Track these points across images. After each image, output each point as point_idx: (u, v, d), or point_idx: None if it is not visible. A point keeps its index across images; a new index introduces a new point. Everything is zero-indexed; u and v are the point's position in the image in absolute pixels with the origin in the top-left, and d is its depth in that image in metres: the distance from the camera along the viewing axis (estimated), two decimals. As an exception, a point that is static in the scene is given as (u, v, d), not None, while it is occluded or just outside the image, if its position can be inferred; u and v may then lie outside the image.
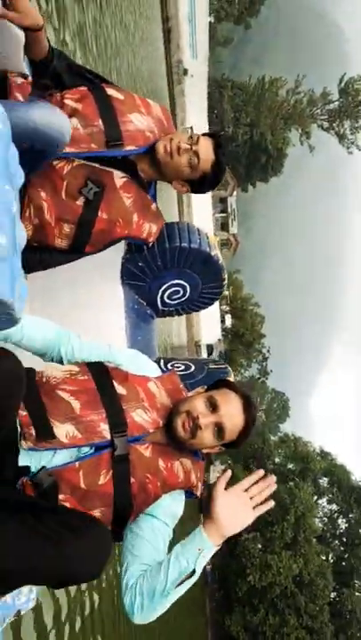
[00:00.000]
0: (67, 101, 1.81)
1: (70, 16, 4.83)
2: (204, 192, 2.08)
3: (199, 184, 2.00)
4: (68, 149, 1.76)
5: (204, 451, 1.69)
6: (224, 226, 47.87)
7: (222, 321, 38.62)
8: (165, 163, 1.91)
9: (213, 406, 1.59)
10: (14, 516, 1.22)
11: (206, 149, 1.94)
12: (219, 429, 1.58)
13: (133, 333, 2.25)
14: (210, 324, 33.79)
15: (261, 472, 1.57)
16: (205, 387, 1.72)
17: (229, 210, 48.16)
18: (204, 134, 1.99)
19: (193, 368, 2.35)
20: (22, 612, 1.31)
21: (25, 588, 1.26)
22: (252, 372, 54.17)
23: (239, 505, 1.50)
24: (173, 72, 27.78)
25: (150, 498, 1.56)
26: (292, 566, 23.76)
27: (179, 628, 10.78)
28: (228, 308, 41.52)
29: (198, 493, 1.70)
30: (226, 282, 2.38)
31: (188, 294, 2.38)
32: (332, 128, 44.54)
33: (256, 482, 1.52)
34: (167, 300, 2.40)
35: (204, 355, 34.12)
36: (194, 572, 1.45)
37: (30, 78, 1.82)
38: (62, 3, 4.64)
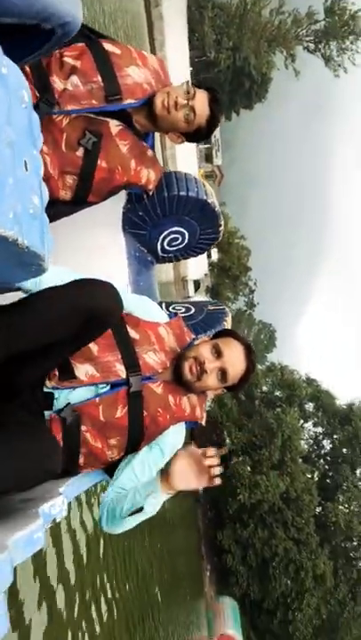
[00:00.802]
0: (66, 59, 1.87)
1: None
2: (197, 142, 2.20)
3: (193, 135, 2.09)
4: (69, 106, 1.86)
5: (208, 392, 1.87)
6: (208, 157, 46.71)
7: (208, 255, 38.54)
8: (162, 117, 1.99)
9: (218, 353, 1.77)
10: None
11: (202, 104, 2.02)
12: (222, 374, 1.77)
13: (136, 279, 2.38)
14: (196, 260, 33.69)
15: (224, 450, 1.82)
16: (211, 335, 1.92)
17: (213, 140, 46.82)
18: (199, 87, 2.06)
19: (193, 310, 2.50)
20: (57, 519, 1.52)
21: (59, 500, 1.40)
22: (240, 305, 54.71)
23: (194, 469, 1.64)
24: (150, -6, 26.22)
25: (160, 429, 1.75)
26: (279, 484, 25.01)
27: (175, 542, 11.57)
28: (213, 241, 41.14)
29: (203, 422, 1.91)
30: (222, 228, 2.50)
31: (186, 241, 2.50)
32: (318, 50, 42.73)
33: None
34: (167, 247, 2.51)
35: (191, 290, 34.24)
36: (142, 508, 1.62)
37: None
38: None
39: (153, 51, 26.99)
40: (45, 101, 1.83)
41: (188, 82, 2.04)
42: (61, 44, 1.49)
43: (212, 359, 1.76)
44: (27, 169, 1.17)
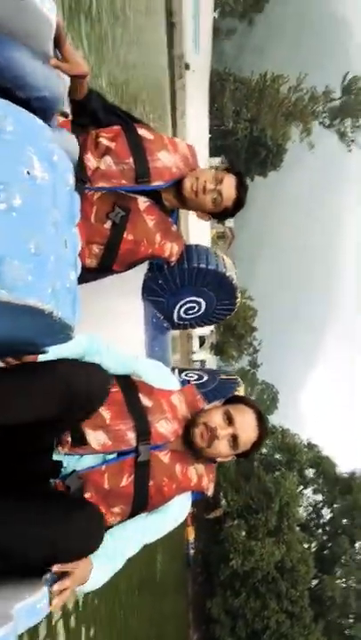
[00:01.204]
0: (101, 139, 1.99)
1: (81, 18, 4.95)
2: (223, 220, 2.30)
3: (220, 214, 2.19)
4: (101, 184, 1.97)
5: (218, 459, 1.85)
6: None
7: (216, 313, 38.63)
8: (191, 199, 2.10)
9: (230, 419, 1.76)
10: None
11: (229, 188, 2.11)
12: (234, 440, 1.76)
13: (151, 345, 2.43)
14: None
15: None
16: (223, 401, 1.90)
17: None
18: (227, 170, 2.16)
19: (205, 378, 2.53)
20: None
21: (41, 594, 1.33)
22: (243, 364, 54.52)
23: None
24: (175, 66, 27.63)
25: (165, 499, 1.73)
26: (274, 552, 24.13)
27: (162, 608, 11.10)
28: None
29: (209, 493, 1.88)
30: (238, 300, 2.58)
31: (203, 310, 2.56)
32: (333, 125, 44.47)
33: None
34: (183, 315, 2.58)
35: (196, 345, 34.26)
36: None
37: (70, 117, 2.02)
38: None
39: (174, 118, 28.23)
40: (78, 178, 1.93)
41: (217, 167, 2.17)
42: (48, 119, 1.49)
43: (223, 425, 1.76)
44: (66, 246, 1.26)
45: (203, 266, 2.38)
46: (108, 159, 1.97)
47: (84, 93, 1.96)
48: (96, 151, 1.99)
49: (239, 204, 2.17)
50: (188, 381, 2.04)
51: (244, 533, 25.18)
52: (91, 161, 1.97)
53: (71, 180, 1.31)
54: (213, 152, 41.52)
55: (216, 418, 1.76)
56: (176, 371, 2.44)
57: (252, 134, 42.94)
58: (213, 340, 38.12)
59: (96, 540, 1.46)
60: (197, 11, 27.47)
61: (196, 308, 2.56)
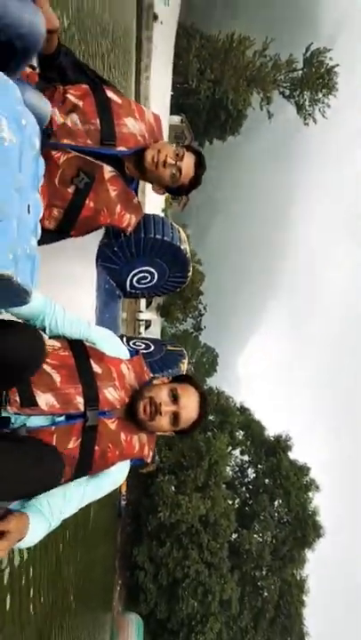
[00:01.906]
0: (69, 96, 1.93)
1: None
2: (177, 195, 2.30)
3: (175, 190, 2.19)
4: (65, 141, 1.92)
5: (158, 433, 1.91)
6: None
7: (163, 274, 38.48)
8: (150, 171, 2.08)
9: (175, 397, 1.81)
10: None
11: (188, 166, 2.11)
12: (175, 418, 1.82)
13: (102, 310, 2.42)
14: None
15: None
16: (170, 377, 1.95)
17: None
18: (188, 148, 2.14)
19: (152, 348, 2.56)
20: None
21: None
22: (187, 327, 55.05)
23: None
24: (143, 16, 26.60)
25: (107, 464, 1.77)
26: (200, 507, 25.15)
27: (91, 556, 11.41)
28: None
29: (149, 461, 1.95)
30: (190, 273, 2.58)
31: (155, 281, 2.57)
32: (292, 97, 44.18)
33: None
34: (135, 284, 2.57)
35: (143, 305, 34.21)
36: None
37: (38, 70, 1.92)
38: None
39: (138, 71, 27.27)
40: (43, 131, 1.88)
41: (178, 143, 2.14)
42: (25, 61, 1.50)
43: (168, 402, 1.81)
44: (29, 212, 1.24)
45: (158, 237, 2.38)
46: (74, 117, 1.92)
47: (54, 47, 1.90)
48: (63, 107, 1.93)
49: (196, 182, 2.17)
50: (137, 351, 2.05)
51: (173, 488, 26.02)
52: (57, 115, 1.91)
53: (38, 144, 1.28)
54: (174, 110, 40.56)
55: (162, 394, 1.81)
56: (124, 339, 2.45)
57: (214, 96, 42.18)
58: (160, 302, 38.17)
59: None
60: None
61: (149, 278, 2.57)
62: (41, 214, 1.30)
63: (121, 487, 27.37)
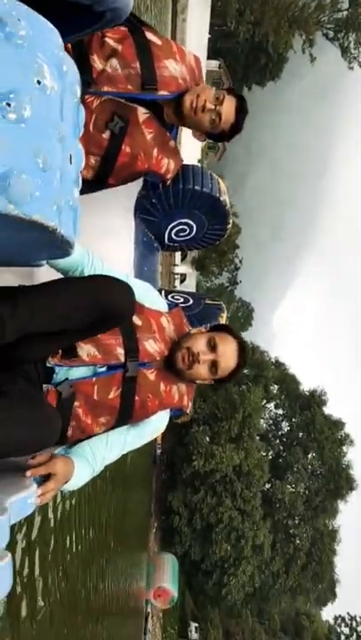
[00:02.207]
0: (107, 40, 1.86)
1: None
2: (218, 142, 2.21)
3: (215, 136, 2.11)
4: (105, 88, 1.87)
5: (197, 381, 1.92)
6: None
7: (199, 226, 38.09)
8: (189, 116, 2.00)
9: (213, 346, 1.82)
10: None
11: (229, 111, 2.03)
12: (214, 366, 1.82)
13: (140, 264, 2.40)
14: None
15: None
16: (208, 327, 1.95)
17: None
18: (229, 92, 2.06)
19: (191, 301, 2.54)
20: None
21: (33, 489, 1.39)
22: (222, 281, 54.75)
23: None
24: None
25: (148, 413, 1.81)
26: (233, 457, 25.64)
27: (128, 499, 11.87)
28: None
29: (188, 411, 1.98)
30: (230, 226, 2.52)
31: (193, 233, 2.52)
32: (336, 39, 41.83)
33: None
34: (174, 237, 2.54)
35: (178, 258, 34.07)
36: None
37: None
38: None
39: (175, 12, 26.19)
40: (83, 80, 1.84)
41: (219, 87, 2.05)
42: (108, 27, 1.48)
43: (206, 351, 1.81)
44: (71, 162, 1.22)
45: (197, 188, 2.33)
46: (114, 62, 1.85)
47: None
48: (102, 52, 1.86)
49: (237, 128, 2.09)
50: (176, 304, 2.05)
51: (207, 438, 26.56)
52: (96, 62, 1.85)
53: (79, 91, 1.25)
54: (212, 54, 38.99)
55: (200, 343, 1.82)
56: (163, 292, 2.44)
57: (253, 39, 40.30)
58: (195, 255, 37.94)
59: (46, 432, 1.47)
60: None
61: (188, 231, 2.52)
62: (83, 164, 1.29)
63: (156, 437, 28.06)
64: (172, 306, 1.99)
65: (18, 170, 1.00)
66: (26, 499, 1.30)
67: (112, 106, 1.91)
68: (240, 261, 50.08)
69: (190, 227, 2.51)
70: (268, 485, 29.28)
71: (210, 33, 37.18)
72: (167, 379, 1.84)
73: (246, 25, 39.24)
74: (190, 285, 39.46)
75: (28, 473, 1.40)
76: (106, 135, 1.93)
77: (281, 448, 32.78)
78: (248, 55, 42.53)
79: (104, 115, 1.90)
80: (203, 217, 2.47)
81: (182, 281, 37.78)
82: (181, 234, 2.55)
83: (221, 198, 2.41)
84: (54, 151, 1.11)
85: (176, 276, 35.82)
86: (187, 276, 39.19)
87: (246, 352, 1.92)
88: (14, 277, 1.81)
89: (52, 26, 1.12)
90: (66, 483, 1.56)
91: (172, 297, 2.54)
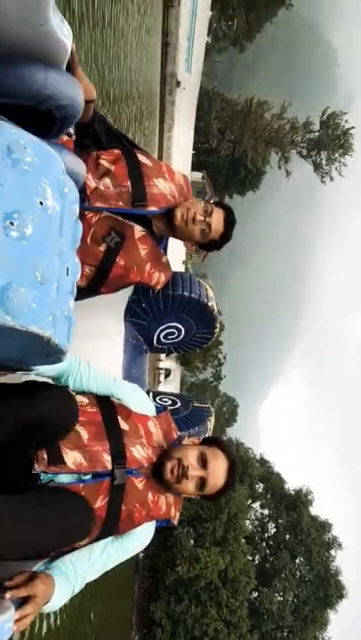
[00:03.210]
0: (102, 161, 1.99)
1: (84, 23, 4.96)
2: (209, 251, 2.29)
3: (206, 245, 2.22)
4: (98, 204, 1.98)
5: (183, 495, 1.84)
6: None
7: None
8: (180, 228, 2.11)
9: (204, 462, 1.75)
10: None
11: (218, 222, 2.14)
12: (202, 483, 1.75)
13: (129, 366, 2.41)
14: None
15: None
16: (200, 438, 1.89)
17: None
18: (217, 205, 2.18)
19: (179, 404, 2.52)
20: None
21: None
22: (207, 375, 54.66)
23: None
24: (167, 82, 27.84)
25: (133, 525, 1.71)
26: (219, 561, 24.12)
27: (108, 611, 11.00)
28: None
29: (175, 522, 1.88)
30: (217, 330, 2.56)
31: (182, 336, 2.56)
32: (309, 156, 45.22)
33: None
34: (162, 339, 2.57)
35: (163, 355, 34.13)
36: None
37: (74, 137, 1.99)
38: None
39: (161, 132, 28.30)
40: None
41: (207, 200, 2.19)
42: (64, 129, 1.53)
43: (196, 467, 1.75)
44: (68, 274, 1.26)
45: (186, 294, 2.39)
46: (107, 181, 1.98)
47: (89, 116, 1.97)
48: (96, 172, 1.99)
49: (226, 237, 2.19)
50: (164, 407, 2.01)
51: (192, 541, 25.17)
52: (90, 181, 1.97)
53: (77, 210, 1.32)
54: (195, 167, 41.79)
55: (191, 457, 1.75)
56: (150, 394, 2.42)
57: (233, 155, 43.38)
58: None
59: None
60: (192, 33, 27.74)
61: (176, 334, 2.56)
62: (78, 276, 1.33)
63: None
64: (160, 409, 1.95)
65: (17, 283, 1.03)
66: (3, 624, 1.19)
67: (110, 222, 2.01)
68: (224, 357, 50.34)
69: (179, 330, 2.54)
70: (255, 594, 27.38)
71: (194, 149, 40.04)
72: (155, 488, 1.76)
73: (227, 143, 42.41)
74: (175, 380, 39.28)
75: (7, 595, 1.29)
76: (102, 248, 2.01)
77: (268, 552, 31.04)
78: (229, 168, 45.51)
79: (102, 229, 2.00)
80: (191, 321, 2.51)
81: (167, 376, 37.63)
82: (170, 336, 2.58)
83: (209, 303, 2.46)
84: (53, 265, 1.15)
85: (161, 371, 35.70)
86: (171, 370, 39.10)
87: (236, 472, 1.86)
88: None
89: (55, 152, 1.20)
90: (45, 604, 1.44)
91: (160, 399, 2.52)
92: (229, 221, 2.17)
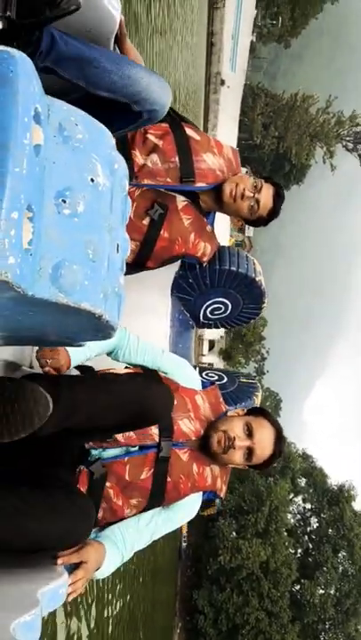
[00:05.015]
0: (149, 136, 1.95)
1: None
2: (256, 226, 2.23)
3: (253, 221, 2.17)
4: (146, 181, 1.95)
5: (230, 465, 1.83)
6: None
7: (227, 318, 38.43)
8: (229, 204, 2.06)
9: (250, 432, 1.73)
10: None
11: (266, 198, 2.08)
12: (249, 453, 1.73)
13: (176, 340, 2.40)
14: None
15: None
16: (246, 410, 1.87)
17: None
18: (266, 180, 2.12)
19: (225, 379, 2.49)
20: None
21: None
22: (250, 370, 54.34)
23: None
24: (211, 82, 27.70)
25: (180, 496, 1.71)
26: (260, 553, 24.07)
27: (152, 596, 11.13)
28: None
29: (222, 495, 1.85)
30: (265, 305, 2.50)
31: (228, 312, 2.51)
32: (355, 150, 44.08)
33: None
34: (209, 315, 2.53)
35: (205, 348, 34.17)
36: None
37: None
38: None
39: (205, 130, 28.23)
40: None
41: (255, 173, 2.14)
42: (145, 125, 1.58)
43: (242, 437, 1.73)
44: (118, 251, 1.25)
45: (233, 268, 2.33)
46: (154, 157, 1.94)
47: None
48: (144, 148, 1.96)
49: (274, 213, 2.14)
50: (212, 382, 1.99)
51: (234, 532, 25.14)
52: (138, 157, 1.94)
53: (127, 185, 1.30)
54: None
55: (237, 428, 1.74)
56: (197, 369, 2.40)
57: (278, 150, 42.74)
58: (222, 345, 38.03)
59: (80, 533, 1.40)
60: (237, 33, 27.48)
61: (223, 309, 2.51)
62: (128, 252, 1.32)
63: (182, 528, 26.85)
64: (206, 384, 1.93)
65: (69, 261, 1.02)
66: (57, 589, 1.21)
67: (152, 194, 1.98)
68: (267, 352, 49.86)
69: (226, 305, 2.49)
70: (296, 586, 27.09)
71: (238, 146, 39.70)
72: (200, 460, 1.75)
73: (271, 139, 41.79)
74: (218, 375, 39.11)
75: (60, 561, 1.31)
76: (145, 222, 1.99)
77: (310, 545, 30.63)
78: (273, 162, 44.85)
79: (144, 203, 1.97)
80: (238, 296, 2.46)
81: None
82: (216, 312, 2.53)
83: (257, 278, 2.40)
84: (103, 242, 1.14)
85: (204, 366, 35.72)
86: (214, 365, 39.11)
87: (283, 440, 1.81)
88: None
89: (105, 129, 1.19)
90: (97, 570, 1.46)
91: (207, 374, 2.50)
92: (278, 197, 2.12)
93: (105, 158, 1.13)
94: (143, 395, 1.39)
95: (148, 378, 1.56)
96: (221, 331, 38.18)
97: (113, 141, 1.18)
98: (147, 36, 5.79)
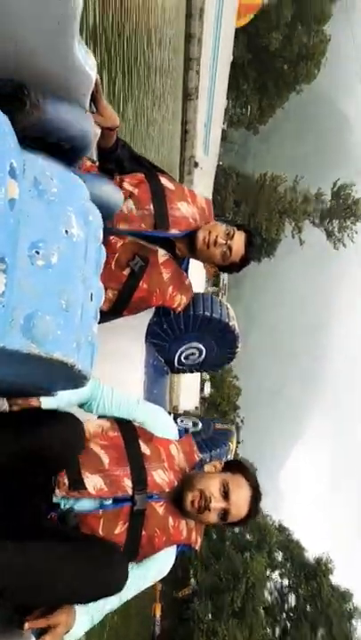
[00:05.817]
0: (125, 185, 1.99)
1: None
2: (229, 273, 2.26)
3: (226, 267, 2.18)
4: (121, 226, 1.98)
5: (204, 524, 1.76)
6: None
7: (201, 389, 38.24)
8: (202, 250, 2.09)
9: (226, 493, 1.66)
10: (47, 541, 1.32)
11: (239, 245, 2.11)
12: (224, 514, 1.66)
13: (150, 387, 2.36)
14: (189, 392, 33.50)
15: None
16: (222, 463, 1.81)
17: (220, 285, 49.06)
18: (239, 227, 2.16)
19: (200, 426, 2.48)
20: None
21: None
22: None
23: None
24: (185, 164, 29.10)
25: (154, 550, 1.63)
26: (237, 636, 22.69)
27: None
28: (208, 377, 41.31)
29: (197, 547, 1.78)
30: (239, 350, 2.49)
31: (203, 357, 2.51)
32: (322, 225, 46.21)
33: None
34: (183, 360, 2.52)
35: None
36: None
37: (97, 163, 2.04)
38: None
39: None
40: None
41: (228, 223, 2.16)
42: (74, 160, 1.46)
43: (218, 498, 1.66)
44: (91, 299, 1.25)
45: (207, 314, 2.35)
46: (130, 203, 1.98)
47: (113, 142, 1.98)
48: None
49: (246, 260, 2.17)
50: (186, 429, 1.94)
51: (210, 615, 23.76)
52: None
53: (101, 235, 1.32)
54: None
55: (213, 487, 1.67)
56: (171, 416, 2.36)
57: (249, 226, 44.40)
58: (199, 414, 37.49)
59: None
60: (209, 121, 29.31)
61: (197, 354, 2.51)
62: (102, 301, 1.32)
63: (155, 611, 25.12)
64: (181, 431, 1.89)
65: (42, 311, 1.02)
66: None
67: (134, 247, 2.02)
68: (241, 421, 49.29)
69: (200, 350, 2.49)
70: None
71: (210, 221, 41.17)
72: (175, 513, 1.68)
73: (242, 216, 43.64)
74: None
75: (26, 625, 1.21)
76: (126, 272, 2.01)
77: (287, 624, 29.00)
78: (244, 240, 46.36)
79: (126, 254, 2.00)
80: (212, 341, 2.46)
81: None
82: (191, 357, 2.53)
83: (230, 323, 2.41)
84: (77, 291, 1.15)
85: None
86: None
87: (259, 499, 1.75)
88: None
89: (80, 181, 1.22)
90: (66, 633, 1.35)
91: (181, 421, 2.46)
92: (250, 244, 2.16)
93: (79, 209, 1.16)
94: (35, 432, 1.31)
95: (49, 415, 1.43)
96: (196, 401, 37.79)
97: (87, 193, 1.21)
98: (128, 127, 6.15)
